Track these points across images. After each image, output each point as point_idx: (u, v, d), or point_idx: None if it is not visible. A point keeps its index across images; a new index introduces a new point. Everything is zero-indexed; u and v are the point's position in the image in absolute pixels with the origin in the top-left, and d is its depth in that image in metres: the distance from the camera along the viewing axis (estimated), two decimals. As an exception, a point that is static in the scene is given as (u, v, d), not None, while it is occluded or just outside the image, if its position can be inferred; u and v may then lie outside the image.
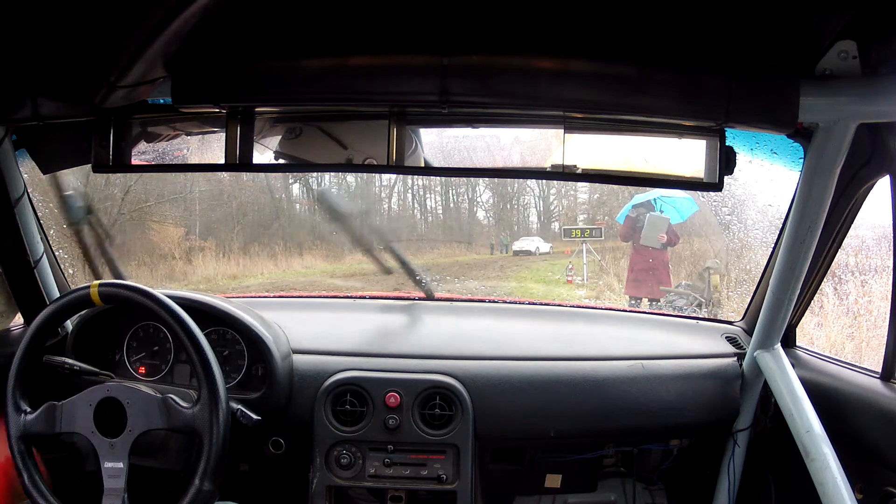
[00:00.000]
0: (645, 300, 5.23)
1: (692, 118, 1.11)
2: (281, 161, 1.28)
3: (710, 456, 1.71)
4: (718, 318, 1.93)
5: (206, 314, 1.50)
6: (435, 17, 1.03)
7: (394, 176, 7.83)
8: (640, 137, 1.18)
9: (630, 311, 2.11)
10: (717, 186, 1.16)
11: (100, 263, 1.78)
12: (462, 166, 1.28)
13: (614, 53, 1.03)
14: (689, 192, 4.58)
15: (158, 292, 1.28)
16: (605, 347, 1.67)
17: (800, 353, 1.61)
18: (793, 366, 1.49)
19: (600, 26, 1.03)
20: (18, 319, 1.61)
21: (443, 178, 8.57)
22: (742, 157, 1.20)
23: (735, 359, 1.65)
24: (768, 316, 1.48)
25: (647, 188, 4.58)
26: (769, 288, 1.44)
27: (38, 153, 1.43)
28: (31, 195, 1.48)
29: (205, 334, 1.27)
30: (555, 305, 2.02)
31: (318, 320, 1.78)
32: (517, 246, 8.80)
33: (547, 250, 8.46)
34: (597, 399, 1.55)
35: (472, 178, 8.62)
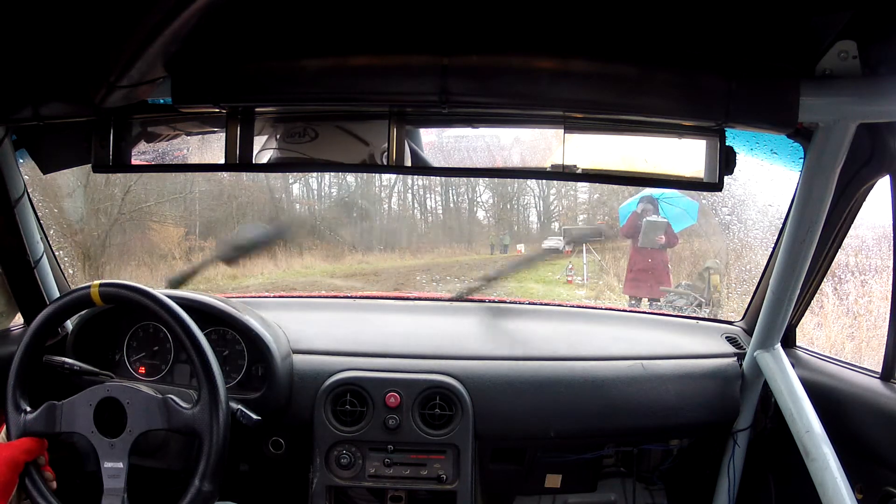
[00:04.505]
0: (645, 300, 5.23)
1: (692, 118, 1.11)
2: (280, 161, 1.28)
3: (710, 456, 1.71)
4: (718, 318, 1.93)
5: (206, 314, 1.50)
6: (435, 17, 1.03)
7: (393, 176, 7.83)
8: (640, 137, 1.18)
9: (630, 311, 2.11)
10: (717, 186, 1.16)
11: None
12: (462, 166, 1.28)
13: (614, 53, 1.03)
14: (689, 192, 4.60)
15: (159, 292, 1.28)
16: (605, 347, 1.67)
17: (800, 353, 1.61)
18: (793, 366, 1.49)
19: (600, 26, 1.03)
20: (18, 319, 1.61)
21: (443, 178, 8.59)
22: (742, 157, 1.20)
23: (735, 359, 1.65)
24: (768, 316, 1.48)
25: (647, 188, 4.58)
26: (769, 288, 1.44)
27: (38, 153, 1.43)
28: (31, 195, 1.47)
29: (205, 334, 1.27)
30: (555, 305, 2.02)
31: (318, 320, 1.78)
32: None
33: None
34: (597, 399, 1.55)
35: (472, 178, 8.65)
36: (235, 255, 1.95)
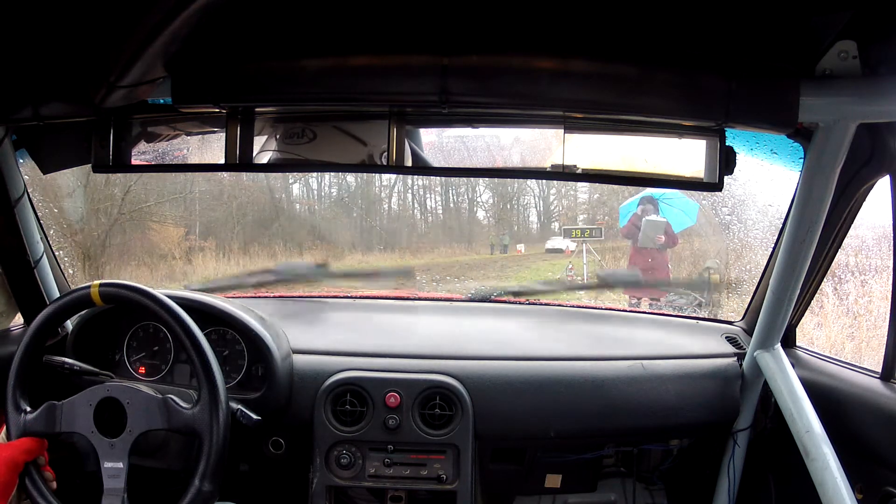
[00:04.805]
0: (645, 300, 5.22)
1: (692, 118, 1.11)
2: (280, 161, 1.28)
3: (710, 456, 1.71)
4: (718, 318, 1.93)
5: (206, 314, 1.50)
6: (435, 17, 1.03)
7: (393, 176, 7.84)
8: (640, 137, 1.18)
9: (630, 311, 2.11)
10: (717, 186, 1.16)
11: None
12: (462, 166, 1.28)
13: (614, 53, 1.03)
14: (689, 193, 4.59)
15: (159, 292, 1.28)
16: (605, 347, 1.67)
17: (800, 353, 1.61)
18: (793, 366, 1.49)
19: (600, 26, 1.03)
20: (18, 319, 1.61)
21: (443, 178, 8.59)
22: (742, 157, 1.20)
23: (735, 359, 1.65)
24: (768, 316, 1.48)
25: (647, 188, 4.57)
26: (769, 288, 1.44)
27: (38, 153, 1.43)
28: (31, 195, 1.47)
29: (205, 334, 1.27)
30: (555, 305, 2.02)
31: (318, 320, 1.78)
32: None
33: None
34: (597, 399, 1.55)
35: (472, 178, 8.65)
36: (273, 281, 1.99)
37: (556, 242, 9.02)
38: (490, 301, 1.94)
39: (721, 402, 1.60)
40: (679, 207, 5.16)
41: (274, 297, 1.98)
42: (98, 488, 1.19)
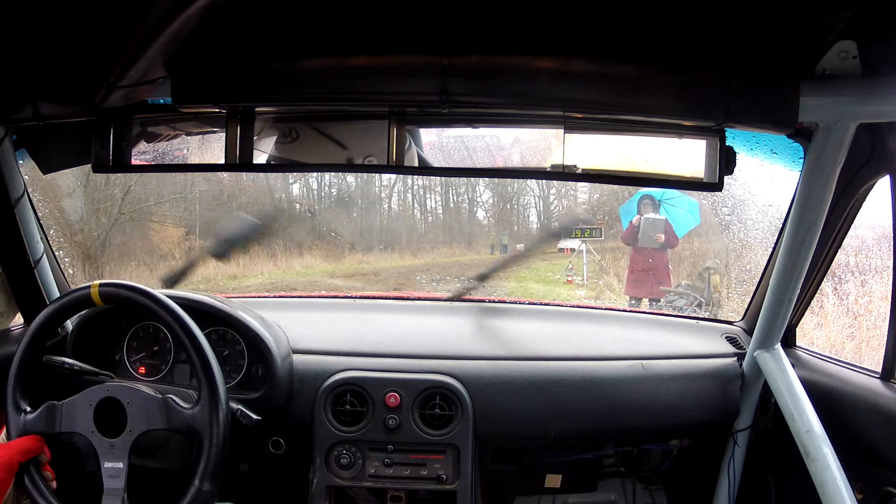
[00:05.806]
0: (645, 300, 5.23)
1: (692, 118, 1.11)
2: (281, 161, 1.28)
3: (710, 456, 1.71)
4: (718, 318, 1.93)
5: (206, 314, 1.50)
6: (435, 17, 1.03)
7: (394, 176, 7.84)
8: (640, 137, 1.18)
9: (630, 311, 2.11)
10: (717, 186, 1.16)
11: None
12: (462, 166, 1.28)
13: (614, 53, 1.03)
14: (689, 192, 4.59)
15: (159, 292, 1.28)
16: (605, 347, 1.67)
17: (800, 353, 1.61)
18: (793, 366, 1.49)
19: (600, 26, 1.03)
20: (18, 319, 1.61)
21: (443, 178, 8.59)
22: (742, 157, 1.20)
23: (735, 359, 1.65)
24: (768, 316, 1.48)
25: (647, 188, 4.57)
26: (769, 288, 1.44)
27: (38, 153, 1.43)
28: (31, 195, 1.48)
29: (205, 334, 1.27)
30: (555, 305, 2.02)
31: (318, 320, 1.78)
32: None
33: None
34: (597, 399, 1.55)
35: (472, 178, 8.65)
36: (225, 249, 1.98)
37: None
38: (464, 300, 1.91)
39: (721, 402, 1.60)
40: (683, 207, 5.16)
41: (274, 296, 1.98)
42: (98, 488, 1.19)
